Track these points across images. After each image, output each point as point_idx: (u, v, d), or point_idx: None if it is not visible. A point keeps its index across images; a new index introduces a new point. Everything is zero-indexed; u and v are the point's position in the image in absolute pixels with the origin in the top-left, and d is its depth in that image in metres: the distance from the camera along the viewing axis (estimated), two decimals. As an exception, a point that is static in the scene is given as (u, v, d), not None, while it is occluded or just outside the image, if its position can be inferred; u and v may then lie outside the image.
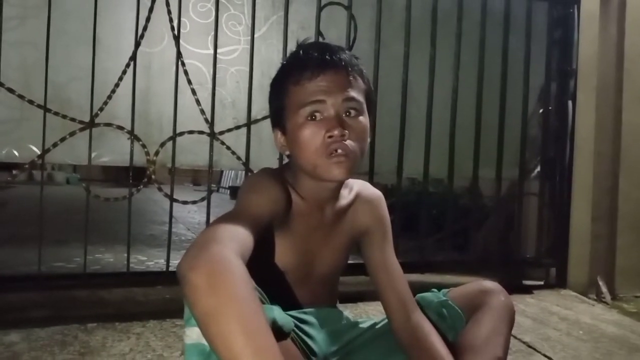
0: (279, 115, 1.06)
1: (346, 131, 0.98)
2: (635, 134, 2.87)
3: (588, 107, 2.78)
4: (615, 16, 2.85)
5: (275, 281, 1.09)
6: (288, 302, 0.92)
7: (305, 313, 1.13)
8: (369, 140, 1.06)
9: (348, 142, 0.98)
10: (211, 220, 2.00)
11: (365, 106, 1.04)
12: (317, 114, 0.99)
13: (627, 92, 2.85)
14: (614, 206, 2.86)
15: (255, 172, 1.11)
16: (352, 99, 1.00)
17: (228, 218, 0.87)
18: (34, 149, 1.92)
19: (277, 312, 0.86)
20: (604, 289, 2.74)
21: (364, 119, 1.03)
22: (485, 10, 2.55)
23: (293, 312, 1.05)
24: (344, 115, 1.00)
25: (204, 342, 0.72)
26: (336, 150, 0.98)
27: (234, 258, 0.73)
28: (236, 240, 0.80)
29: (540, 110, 2.81)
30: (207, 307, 0.67)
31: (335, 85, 0.99)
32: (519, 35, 2.66)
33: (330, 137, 0.98)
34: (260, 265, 0.82)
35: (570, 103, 2.77)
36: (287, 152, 1.08)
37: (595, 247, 2.80)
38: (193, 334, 0.78)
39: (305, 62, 1.01)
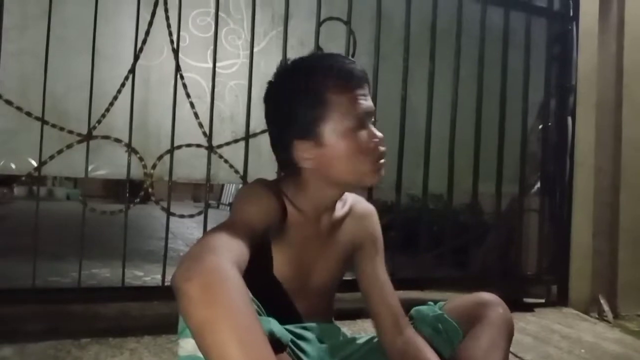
0: (309, 126, 1.00)
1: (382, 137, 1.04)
2: (635, 150, 2.86)
3: (588, 123, 2.78)
4: (614, 32, 2.86)
5: (272, 294, 1.07)
6: (284, 316, 0.90)
7: (301, 328, 1.11)
8: None
9: (384, 148, 1.04)
10: (208, 234, 1.98)
11: None
12: (365, 123, 1.02)
13: (626, 108, 2.84)
14: (615, 222, 2.84)
15: (249, 183, 1.10)
16: (374, 110, 1.05)
17: (222, 228, 0.85)
18: (32, 161, 1.91)
19: (274, 324, 0.84)
20: (606, 307, 2.71)
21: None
22: (484, 26, 2.57)
23: (289, 327, 1.03)
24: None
25: (199, 354, 0.70)
26: (382, 156, 1.03)
27: (229, 268, 0.72)
28: (231, 250, 0.78)
29: (540, 126, 2.81)
30: (203, 318, 0.66)
31: (368, 96, 1.04)
32: (518, 51, 2.66)
33: (378, 144, 1.02)
34: (257, 277, 0.80)
35: (569, 119, 2.77)
36: (311, 166, 1.03)
37: (597, 264, 2.77)
38: (188, 346, 0.76)
39: (351, 72, 1.02)
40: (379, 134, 1.03)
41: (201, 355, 0.70)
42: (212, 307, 0.66)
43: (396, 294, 1.19)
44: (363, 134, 1.01)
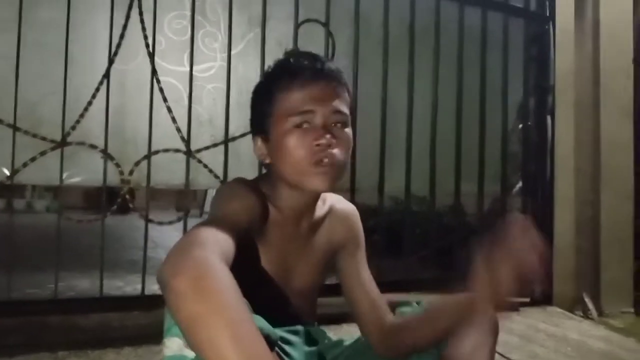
0: (262, 122, 1.03)
1: (333, 140, 0.96)
2: (614, 149, 2.89)
3: (567, 122, 2.80)
4: (590, 32, 2.89)
5: (259, 291, 1.04)
6: (270, 317, 0.88)
7: (287, 331, 1.08)
8: (350, 154, 1.04)
9: (335, 152, 0.96)
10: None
11: (349, 119, 1.02)
12: (305, 124, 0.97)
13: (604, 107, 2.87)
14: (597, 221, 2.86)
15: (227, 182, 1.07)
16: (340, 111, 0.99)
17: (207, 224, 0.82)
18: (5, 170, 1.85)
19: (261, 322, 0.81)
20: (590, 305, 2.72)
21: (349, 132, 1.01)
22: (462, 26, 2.57)
23: (277, 330, 1.00)
24: (330, 126, 0.98)
25: (185, 353, 0.69)
26: (321, 160, 0.95)
27: (218, 262, 0.70)
28: (218, 244, 0.76)
29: (520, 126, 2.82)
30: (194, 314, 0.63)
31: (325, 96, 0.98)
32: (496, 52, 2.68)
33: (317, 145, 0.95)
34: (243, 274, 0.77)
35: (549, 118, 2.79)
36: (267, 161, 1.05)
37: (580, 263, 2.79)
38: (173, 345, 0.73)
39: (297, 70, 0.99)
40: (325, 138, 0.94)
41: (187, 355, 0.69)
42: (202, 302, 0.63)
43: (378, 290, 1.17)
44: (302, 133, 0.96)
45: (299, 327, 1.11)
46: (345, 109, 1.00)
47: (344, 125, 1.00)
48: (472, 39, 2.61)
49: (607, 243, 2.84)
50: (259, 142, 1.04)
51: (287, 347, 1.05)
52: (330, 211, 1.16)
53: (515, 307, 2.58)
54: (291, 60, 1.02)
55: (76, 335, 1.91)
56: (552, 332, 2.29)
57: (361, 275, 1.17)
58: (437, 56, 2.51)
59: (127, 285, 2.88)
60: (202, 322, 0.62)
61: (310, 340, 1.14)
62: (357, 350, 1.17)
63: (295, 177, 0.98)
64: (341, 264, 1.18)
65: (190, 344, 0.65)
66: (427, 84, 2.50)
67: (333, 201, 1.18)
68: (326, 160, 0.95)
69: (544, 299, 2.72)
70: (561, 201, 2.78)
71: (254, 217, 0.97)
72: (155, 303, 1.93)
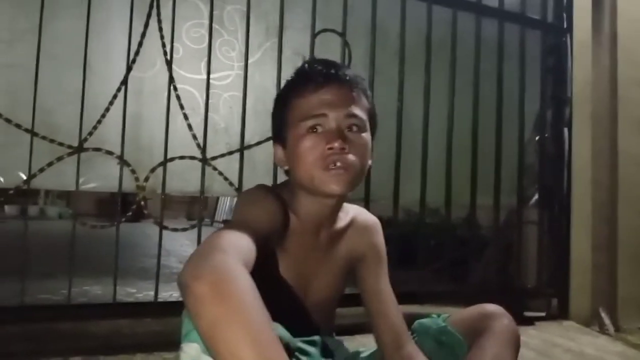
0: (280, 129, 1.04)
1: (346, 145, 0.95)
2: (632, 162, 2.85)
3: (584, 135, 2.77)
4: (607, 45, 2.87)
5: (279, 298, 1.03)
6: (289, 325, 0.87)
7: (304, 342, 1.07)
8: (370, 159, 1.03)
9: (348, 156, 0.96)
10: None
11: (367, 125, 1.02)
12: (318, 127, 0.97)
13: (622, 120, 2.84)
14: (614, 235, 2.81)
15: (251, 187, 1.07)
16: (355, 115, 0.98)
17: (228, 228, 0.83)
18: (22, 175, 1.86)
19: (281, 329, 0.80)
20: (607, 321, 2.67)
21: (366, 136, 1.01)
22: (479, 38, 2.56)
23: (295, 340, 0.99)
24: (345, 130, 0.97)
25: (203, 359, 0.68)
26: (335, 163, 0.95)
27: (238, 266, 0.70)
28: (239, 249, 0.76)
29: (537, 138, 2.80)
30: (214, 317, 0.63)
31: (338, 100, 0.98)
32: (513, 63, 2.66)
33: (330, 149, 0.95)
34: (263, 280, 0.77)
35: (566, 130, 2.76)
36: (286, 167, 1.05)
37: (597, 277, 2.74)
38: (191, 351, 0.72)
39: (309, 76, 1.00)
40: (337, 141, 0.94)
41: None
42: (223, 305, 0.64)
43: (399, 308, 1.15)
44: (314, 137, 0.97)
45: (316, 338, 1.10)
46: (362, 114, 1.00)
47: (360, 129, 0.99)
48: (489, 51, 2.60)
49: (624, 257, 2.79)
50: (279, 149, 1.05)
51: (303, 358, 1.03)
52: (352, 222, 1.15)
53: (530, 321, 2.55)
54: (306, 66, 1.03)
55: (88, 342, 1.91)
56: (568, 347, 2.25)
57: (381, 292, 1.15)
58: (453, 67, 2.50)
59: (140, 292, 2.89)
60: (222, 326, 0.62)
61: (326, 351, 1.13)
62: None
63: (310, 181, 0.98)
64: (361, 278, 1.17)
65: (209, 347, 0.65)
66: (444, 95, 2.49)
67: (355, 213, 1.17)
68: (339, 164, 0.95)
69: (560, 314, 2.68)
70: (578, 214, 2.74)
71: (275, 224, 0.97)
72: (167, 310, 1.93)
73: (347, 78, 0.99)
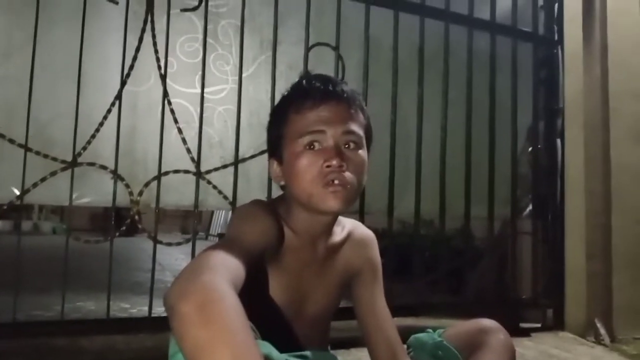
0: (276, 144, 1.04)
1: (344, 162, 0.95)
2: (625, 172, 2.86)
3: (577, 145, 2.79)
4: (598, 56, 2.89)
5: (267, 317, 1.03)
6: (280, 342, 0.86)
7: (297, 356, 1.06)
8: (366, 175, 1.03)
9: (346, 174, 0.96)
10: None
11: (364, 141, 1.02)
12: (316, 144, 0.97)
13: (614, 130, 2.86)
14: (608, 244, 2.82)
15: (246, 203, 1.06)
16: (352, 132, 0.98)
17: (218, 247, 0.82)
18: (15, 190, 1.85)
19: (270, 348, 0.80)
20: (602, 331, 2.67)
21: (363, 153, 1.01)
22: (471, 50, 2.58)
23: (286, 355, 0.98)
24: (343, 147, 0.97)
25: None
26: (333, 181, 0.95)
27: (226, 287, 0.69)
28: (228, 269, 0.75)
29: (530, 149, 2.81)
30: (198, 340, 0.62)
31: (336, 117, 0.97)
32: (505, 75, 2.68)
33: (328, 166, 0.95)
34: (252, 299, 0.76)
35: (559, 141, 2.78)
36: (282, 183, 1.05)
37: (592, 287, 2.74)
38: None
39: (307, 92, 0.99)
40: (335, 159, 0.94)
41: None
42: (208, 327, 0.62)
43: (394, 323, 1.15)
44: (312, 154, 0.96)
45: (307, 353, 1.09)
46: (359, 130, 1.00)
47: (358, 146, 1.00)
48: (481, 63, 2.62)
49: (619, 267, 2.80)
50: (274, 164, 1.05)
51: (295, 373, 1.03)
52: (349, 237, 1.15)
53: (526, 332, 2.55)
54: (304, 82, 1.03)
55: (82, 357, 1.89)
56: (564, 358, 2.24)
57: (376, 307, 1.16)
58: (446, 80, 2.52)
59: (133, 307, 2.87)
60: (207, 349, 0.61)
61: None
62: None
63: (307, 199, 0.98)
64: (356, 292, 1.17)
65: None
66: (437, 107, 2.50)
67: (352, 227, 1.17)
68: (337, 181, 0.95)
69: (555, 324, 2.68)
70: (572, 224, 2.75)
71: (269, 240, 0.96)
72: (161, 325, 1.91)
73: (345, 95, 0.99)
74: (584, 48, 2.86)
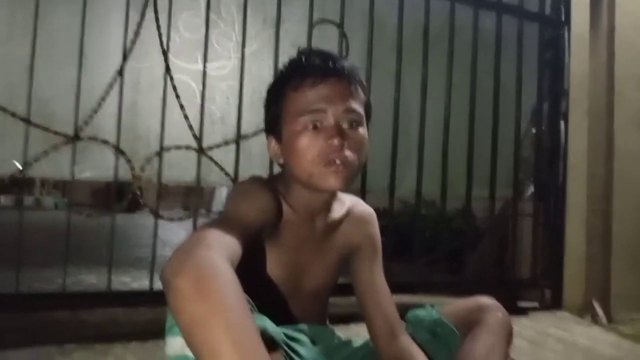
0: (274, 122, 1.03)
1: (345, 141, 0.95)
2: (628, 157, 2.86)
3: (580, 128, 2.78)
4: (605, 38, 2.87)
5: (265, 294, 1.03)
6: (278, 317, 0.87)
7: (294, 330, 1.07)
8: (366, 153, 1.02)
9: (347, 153, 0.95)
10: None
11: (364, 119, 1.01)
12: (317, 123, 0.96)
13: (618, 114, 2.84)
14: (608, 228, 2.83)
15: (244, 179, 1.06)
16: (353, 110, 0.97)
17: (216, 224, 0.82)
18: (17, 164, 1.86)
19: (267, 322, 0.81)
20: (600, 311, 2.69)
21: (363, 131, 1.00)
22: (476, 30, 2.56)
23: (282, 328, 0.99)
24: (343, 125, 0.96)
25: (188, 352, 0.67)
26: (334, 161, 0.94)
27: (222, 263, 0.69)
28: (224, 245, 0.75)
29: (533, 131, 2.80)
30: (194, 315, 0.62)
31: (337, 95, 0.96)
32: (510, 56, 2.66)
33: (329, 146, 0.94)
34: (249, 275, 0.77)
35: (562, 124, 2.77)
36: (281, 161, 1.04)
37: (590, 269, 2.76)
38: (176, 344, 0.73)
39: (307, 69, 0.98)
40: (337, 139, 0.94)
41: (189, 354, 0.67)
42: (203, 303, 0.63)
43: (392, 299, 1.16)
44: (313, 134, 0.96)
45: (304, 326, 1.11)
46: (359, 108, 0.99)
47: (358, 124, 0.99)
48: (487, 43, 2.59)
49: (618, 250, 2.81)
50: (272, 142, 1.04)
51: (295, 345, 1.04)
52: (349, 213, 1.15)
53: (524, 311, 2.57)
54: (303, 58, 1.01)
55: (83, 330, 1.91)
56: (561, 337, 2.27)
57: (375, 283, 1.16)
58: (451, 60, 2.50)
59: (135, 281, 2.89)
60: (202, 324, 0.62)
61: (317, 339, 1.13)
62: (367, 354, 1.16)
63: (308, 178, 0.97)
64: (355, 269, 1.17)
65: (189, 345, 0.64)
66: (441, 87, 2.49)
67: (352, 203, 1.17)
68: (338, 161, 0.94)
69: (553, 304, 2.70)
70: (573, 207, 2.76)
71: (267, 217, 0.96)
72: (162, 299, 1.92)
73: (346, 72, 0.98)
74: (591, 30, 2.83)
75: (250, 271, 0.81)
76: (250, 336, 0.63)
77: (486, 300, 1.14)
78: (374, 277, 1.16)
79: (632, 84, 2.88)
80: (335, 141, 0.94)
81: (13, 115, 1.83)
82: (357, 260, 1.17)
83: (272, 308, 0.87)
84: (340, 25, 2.27)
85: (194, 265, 0.67)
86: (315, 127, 0.96)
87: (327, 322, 1.24)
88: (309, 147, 0.95)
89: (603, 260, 2.81)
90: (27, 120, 1.83)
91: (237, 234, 0.80)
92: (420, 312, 1.19)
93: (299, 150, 0.96)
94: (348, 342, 1.20)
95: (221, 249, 0.73)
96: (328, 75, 0.96)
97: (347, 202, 1.16)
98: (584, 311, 2.69)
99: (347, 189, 1.03)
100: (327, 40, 2.26)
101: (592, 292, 2.74)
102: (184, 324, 0.63)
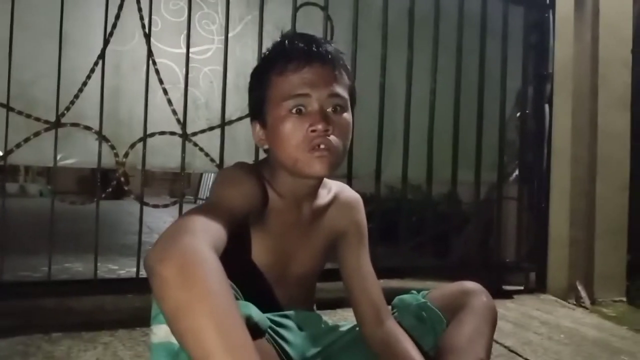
0: (259, 107, 1.01)
1: (330, 126, 0.94)
2: (611, 139, 2.89)
3: (564, 111, 2.80)
4: (590, 21, 2.88)
5: (251, 280, 1.03)
6: (264, 304, 0.87)
7: (281, 316, 1.08)
8: (350, 138, 1.02)
9: (331, 138, 0.94)
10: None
11: (349, 103, 1.00)
12: (301, 108, 0.95)
13: (602, 97, 2.87)
14: (592, 211, 2.87)
15: (229, 165, 1.05)
16: (337, 95, 0.96)
17: (200, 210, 0.81)
18: (-1, 151, 1.83)
19: (252, 309, 0.80)
20: (583, 294, 2.74)
21: (348, 116, 0.99)
22: (462, 13, 2.55)
23: (269, 315, 0.99)
24: (328, 110, 0.95)
25: (173, 340, 0.67)
26: (319, 146, 0.94)
27: (206, 250, 0.68)
28: (209, 232, 0.75)
29: (518, 114, 2.82)
30: (178, 302, 0.62)
31: (321, 79, 0.95)
32: (495, 39, 2.65)
33: (313, 131, 0.93)
34: (234, 262, 0.77)
35: (547, 107, 2.78)
36: (266, 146, 1.03)
37: (574, 252, 2.80)
38: (161, 332, 0.72)
39: (291, 53, 0.96)
40: (321, 124, 0.93)
41: (175, 342, 0.67)
42: (187, 290, 0.62)
43: (379, 284, 1.16)
44: (297, 119, 0.95)
45: (290, 313, 1.11)
46: (344, 93, 0.98)
47: (343, 109, 0.98)
48: (472, 26, 2.58)
49: (601, 233, 2.86)
50: (257, 127, 1.03)
51: (282, 331, 1.04)
52: (335, 199, 1.14)
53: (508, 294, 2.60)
54: (286, 42, 0.99)
55: (70, 318, 1.90)
56: (545, 319, 2.30)
57: (362, 269, 1.15)
58: (436, 42, 2.49)
59: (122, 268, 2.88)
60: (186, 311, 0.61)
61: (304, 325, 1.13)
62: (354, 339, 1.16)
63: (293, 164, 0.97)
64: (342, 254, 1.17)
65: (174, 332, 0.64)
66: (426, 70, 2.48)
67: (338, 189, 1.17)
68: (322, 146, 0.94)
69: (538, 287, 2.74)
70: (557, 190, 2.78)
71: (252, 202, 0.95)
72: (149, 286, 1.92)
73: (330, 56, 0.96)
74: (575, 13, 2.84)
75: (235, 258, 0.80)
76: (235, 323, 0.63)
77: (471, 284, 1.14)
78: (360, 262, 1.16)
79: (616, 67, 2.90)
80: (320, 126, 0.93)
81: (-7, 101, 1.79)
82: (343, 245, 1.17)
83: (258, 295, 0.87)
84: (325, 8, 2.25)
85: (178, 252, 0.66)
86: (299, 112, 0.95)
87: (315, 307, 1.25)
88: (293, 132, 0.95)
89: (587, 243, 2.86)
90: (7, 106, 1.79)
91: (222, 220, 0.79)
92: (406, 297, 1.20)
93: (283, 135, 0.95)
94: (335, 327, 1.20)
95: (206, 236, 0.72)
96: (312, 60, 0.95)
97: (333, 188, 1.16)
98: (568, 293, 2.73)
99: (332, 175, 1.03)
100: (311, 23, 2.24)
101: (576, 275, 2.78)
102: (168, 311, 0.63)
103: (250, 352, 0.62)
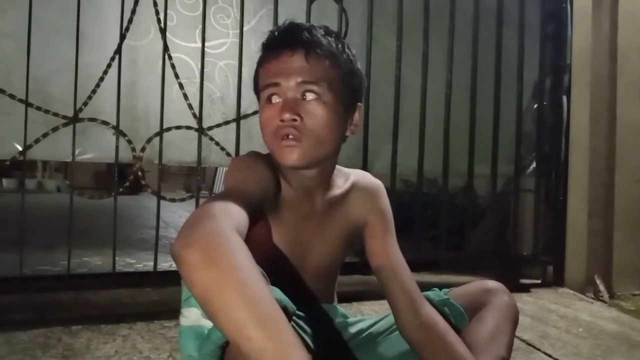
0: (258, 95, 1.02)
1: (296, 116, 0.91)
2: (630, 129, 2.84)
3: (582, 102, 2.75)
4: (608, 10, 2.82)
5: (275, 266, 1.03)
6: (287, 290, 0.86)
7: (301, 309, 1.07)
8: (333, 128, 0.97)
9: (302, 127, 0.92)
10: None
11: (328, 91, 0.94)
12: (274, 97, 0.94)
13: (620, 87, 2.81)
14: (610, 202, 2.83)
15: (242, 155, 1.06)
16: (308, 82, 0.93)
17: (218, 197, 0.82)
18: (17, 146, 1.85)
19: (278, 293, 0.80)
20: (602, 287, 2.70)
21: (325, 105, 0.94)
22: (477, 3, 2.52)
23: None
24: (301, 98, 0.93)
25: (203, 323, 0.70)
26: (287, 135, 0.92)
27: (229, 231, 0.70)
28: (229, 216, 0.75)
29: (535, 106, 2.78)
30: (206, 283, 0.64)
31: (290, 67, 0.93)
32: (512, 30, 2.62)
33: (282, 121, 0.92)
34: (259, 248, 0.77)
35: (564, 98, 2.74)
36: None
37: (592, 244, 2.76)
38: (191, 315, 0.73)
39: (268, 43, 0.98)
40: (287, 114, 0.91)
41: (205, 325, 0.70)
42: (214, 269, 0.64)
43: (410, 272, 1.11)
44: (269, 108, 0.95)
45: (311, 305, 1.10)
46: (319, 79, 0.93)
47: (318, 96, 0.93)
48: (488, 17, 2.55)
49: (620, 225, 2.81)
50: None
51: (302, 322, 1.04)
52: (353, 187, 1.12)
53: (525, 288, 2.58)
54: (270, 33, 1.00)
55: (89, 311, 1.93)
56: (563, 313, 2.28)
57: (390, 257, 1.11)
58: (452, 34, 2.46)
59: (139, 262, 2.90)
60: (215, 290, 0.63)
61: (322, 318, 1.13)
62: (375, 334, 1.16)
63: (272, 154, 0.97)
64: (368, 244, 1.13)
65: (207, 313, 0.65)
66: (442, 62, 2.46)
67: (357, 177, 1.14)
68: (290, 136, 0.92)
69: (555, 280, 2.71)
70: (575, 182, 2.74)
71: (266, 190, 0.95)
72: (167, 279, 1.95)
73: (301, 43, 0.93)
74: (593, 2, 2.79)
75: (258, 243, 0.81)
76: (263, 295, 0.64)
77: (493, 283, 1.15)
78: (389, 250, 1.12)
79: (635, 55, 2.84)
80: (286, 115, 0.91)
81: (11, 97, 1.81)
82: (368, 235, 1.13)
83: (281, 283, 0.87)
84: (339, 1, 2.24)
85: (201, 235, 0.68)
86: (273, 102, 0.95)
87: (336, 300, 1.23)
88: (267, 122, 0.95)
89: (605, 235, 2.81)
90: (26, 102, 1.82)
91: (241, 204, 0.80)
92: (428, 294, 1.19)
93: (261, 125, 0.97)
94: (355, 322, 1.19)
95: (227, 219, 0.73)
96: (282, 48, 0.94)
97: (351, 177, 1.13)
98: (586, 287, 2.69)
99: (308, 166, 0.98)
100: (326, 16, 2.23)
101: (594, 268, 2.74)
102: (198, 294, 0.64)
103: (281, 322, 0.63)
